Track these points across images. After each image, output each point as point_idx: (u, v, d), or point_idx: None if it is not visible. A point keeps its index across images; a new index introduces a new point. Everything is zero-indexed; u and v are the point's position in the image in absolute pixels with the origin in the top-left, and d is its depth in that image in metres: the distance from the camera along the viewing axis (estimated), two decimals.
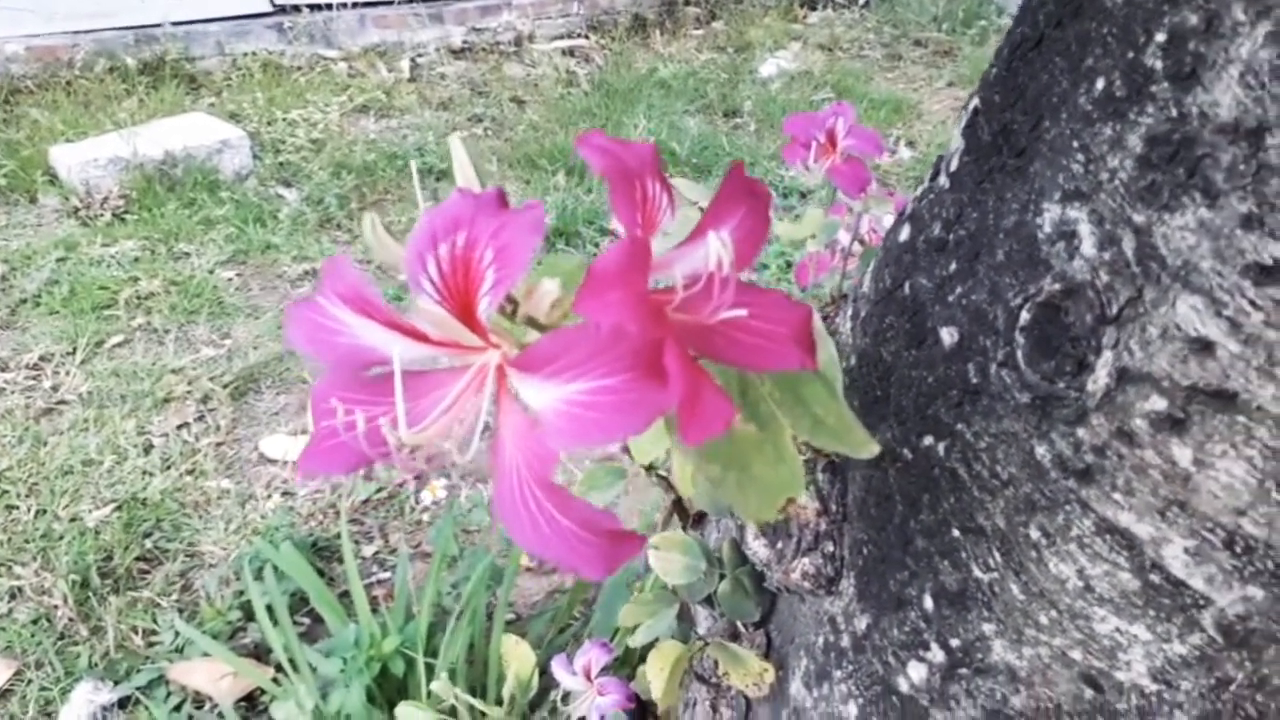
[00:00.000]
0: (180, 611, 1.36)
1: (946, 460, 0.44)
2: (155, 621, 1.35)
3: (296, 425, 1.75)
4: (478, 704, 0.93)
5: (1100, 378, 0.35)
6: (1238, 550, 0.33)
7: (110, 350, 1.92)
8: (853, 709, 0.52)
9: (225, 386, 1.81)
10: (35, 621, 1.33)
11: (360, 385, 0.32)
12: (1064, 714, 0.41)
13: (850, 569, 0.52)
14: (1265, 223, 0.29)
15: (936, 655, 0.46)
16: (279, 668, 1.19)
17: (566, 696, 0.91)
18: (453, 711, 0.94)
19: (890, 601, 0.48)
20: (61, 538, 1.45)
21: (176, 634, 1.31)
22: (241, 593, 1.36)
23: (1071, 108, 0.37)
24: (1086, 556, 0.37)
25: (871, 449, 0.38)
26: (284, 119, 2.93)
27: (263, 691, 1.23)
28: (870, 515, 0.50)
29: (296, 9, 3.29)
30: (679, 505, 0.66)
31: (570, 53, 3.56)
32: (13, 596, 1.37)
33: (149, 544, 1.48)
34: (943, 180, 0.49)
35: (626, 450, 0.72)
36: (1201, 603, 0.35)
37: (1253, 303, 0.30)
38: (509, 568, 1.20)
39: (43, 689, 1.25)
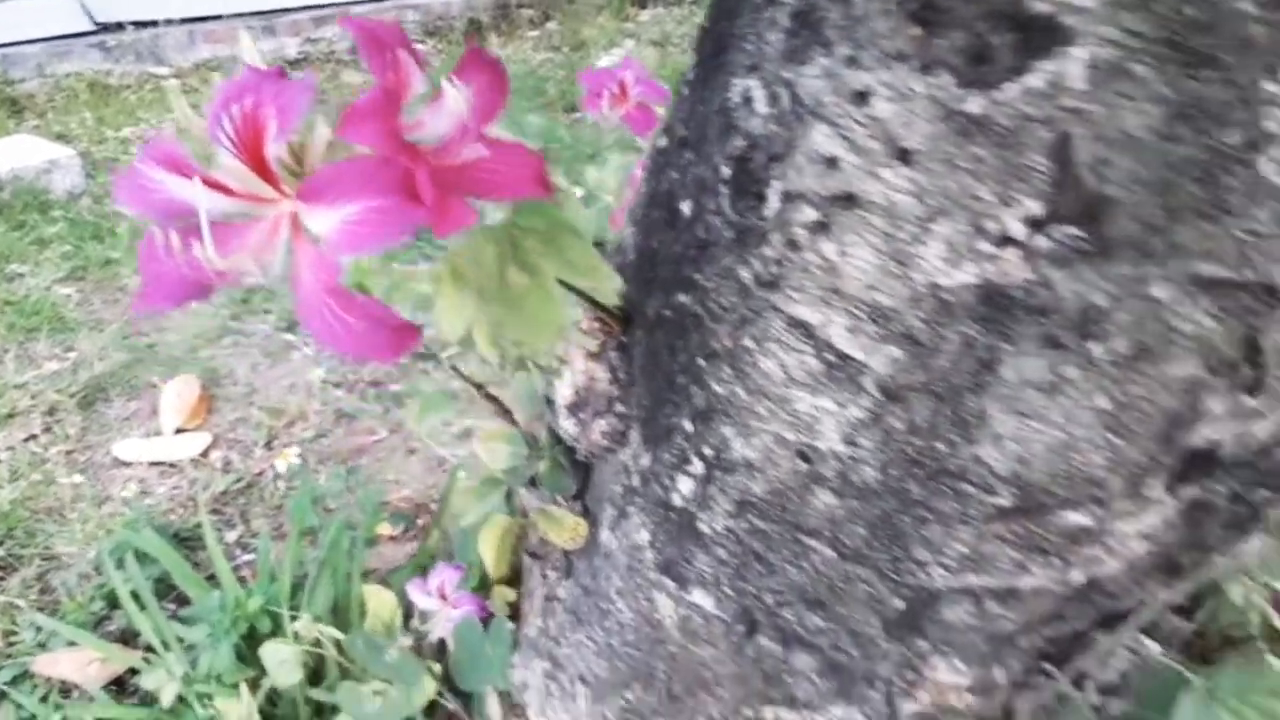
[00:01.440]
0: (40, 610, 1.36)
1: (692, 307, 0.54)
2: (14, 623, 1.35)
3: (149, 428, 1.76)
4: (340, 635, 0.99)
5: (773, 204, 0.45)
6: (878, 320, 0.44)
7: None
8: (645, 535, 0.62)
9: (72, 397, 1.80)
10: None
11: (180, 233, 0.40)
12: (789, 489, 0.52)
13: (635, 421, 0.62)
14: (858, 59, 0.40)
15: (697, 467, 0.56)
16: (148, 649, 1.22)
17: (424, 618, 0.98)
18: (317, 645, 1.00)
19: (663, 434, 0.58)
20: None
21: (38, 630, 1.31)
22: (103, 585, 1.37)
23: (748, 6, 0.48)
24: (783, 351, 0.48)
25: (615, 283, 0.48)
26: (115, 137, 2.88)
27: (132, 673, 1.25)
28: (647, 372, 0.60)
29: (120, 26, 3.23)
30: (496, 401, 0.74)
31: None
32: None
33: (2, 552, 1.47)
34: (684, 90, 0.59)
35: (456, 370, 0.81)
36: (863, 370, 0.46)
37: (857, 121, 0.41)
38: (365, 524, 1.27)
39: None
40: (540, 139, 3.04)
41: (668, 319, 0.57)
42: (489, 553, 0.69)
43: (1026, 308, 0.40)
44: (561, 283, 0.49)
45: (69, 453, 1.68)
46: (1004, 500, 0.46)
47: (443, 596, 0.97)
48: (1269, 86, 0.34)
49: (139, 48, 3.29)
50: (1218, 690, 0.49)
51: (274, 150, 0.37)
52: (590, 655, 0.69)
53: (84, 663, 1.27)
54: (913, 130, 0.39)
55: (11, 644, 1.32)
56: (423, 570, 1.30)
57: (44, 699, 1.24)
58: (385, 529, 1.48)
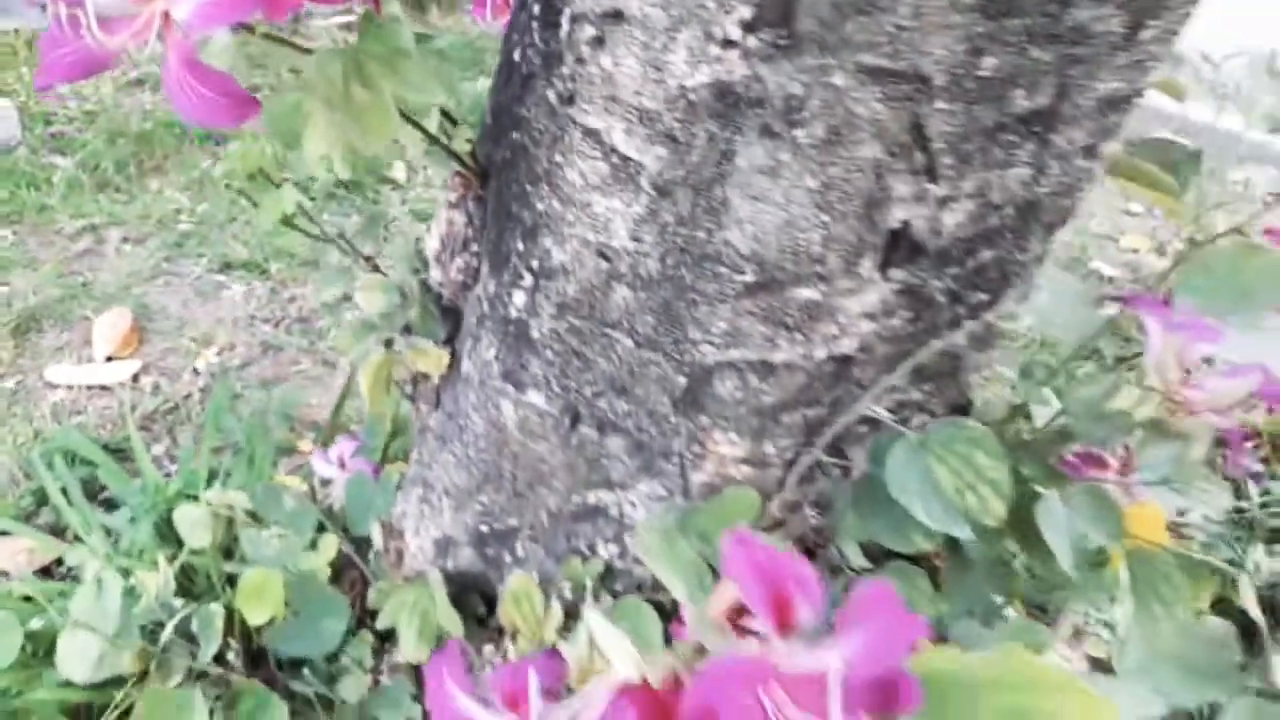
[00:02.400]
0: None
1: (521, 140, 0.65)
2: None
3: (82, 356, 1.83)
4: (249, 505, 1.08)
5: (565, 27, 0.56)
6: (645, 122, 0.55)
7: None
8: (491, 352, 0.72)
9: (5, 327, 1.86)
10: None
11: (74, 20, 0.50)
12: (594, 288, 0.63)
13: (484, 255, 0.73)
14: None
15: (527, 280, 0.67)
16: (77, 539, 1.30)
17: (325, 484, 1.08)
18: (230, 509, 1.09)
19: (502, 260, 0.69)
20: None
21: None
22: (34, 485, 1.45)
23: None
24: (581, 159, 0.59)
25: (436, 93, 0.58)
26: (54, 93, 2.91)
27: (59, 563, 1.33)
28: (494, 212, 0.71)
29: None
30: (375, 264, 0.84)
31: (349, 28, 3.66)
32: None
33: None
34: None
35: (346, 242, 0.90)
36: (640, 169, 0.57)
37: None
38: (276, 425, 1.36)
39: None
40: (476, 104, 3.10)
41: (507, 159, 0.68)
42: (366, 383, 0.79)
43: (748, 101, 0.52)
44: (433, 146, 0.60)
45: (1, 378, 1.75)
46: (749, 277, 0.57)
47: (341, 465, 1.07)
48: None
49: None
50: (928, 441, 0.61)
51: None
52: (451, 469, 0.80)
53: (14, 552, 1.34)
54: None
55: None
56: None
57: None
58: (305, 445, 1.57)
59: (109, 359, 1.82)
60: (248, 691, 0.86)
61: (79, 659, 0.84)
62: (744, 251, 0.56)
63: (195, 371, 1.78)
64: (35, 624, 1.12)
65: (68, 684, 1.07)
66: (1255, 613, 0.78)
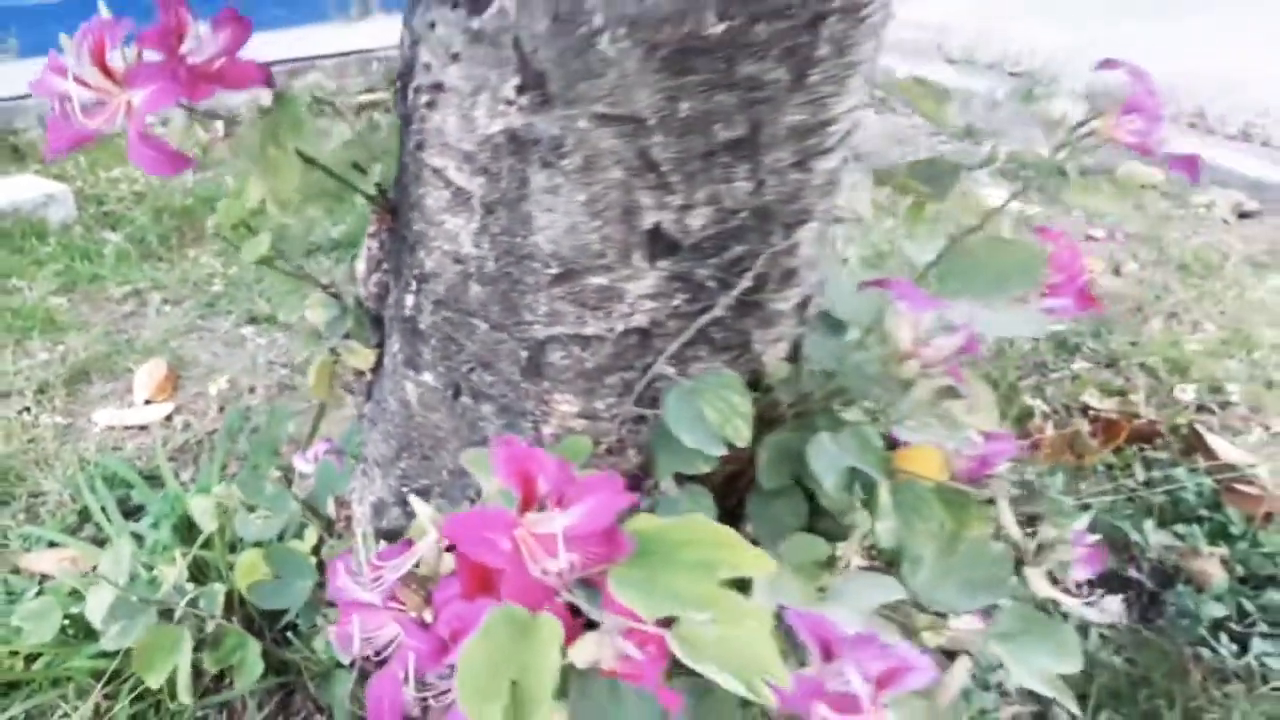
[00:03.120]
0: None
1: (404, 180, 0.87)
2: (5, 536, 1.66)
3: (124, 400, 2.08)
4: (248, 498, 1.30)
5: (410, 96, 0.79)
6: (468, 161, 0.77)
7: None
8: (397, 345, 0.94)
9: (59, 378, 2.13)
10: None
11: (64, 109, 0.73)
12: (456, 286, 0.84)
13: (392, 273, 0.95)
14: (428, 8, 0.74)
15: (413, 285, 0.88)
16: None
17: (302, 478, 1.30)
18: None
19: (398, 272, 0.91)
20: None
21: (24, 538, 1.63)
22: (79, 506, 1.69)
23: None
24: (433, 190, 0.81)
25: (319, 151, 0.81)
26: (106, 177, 3.25)
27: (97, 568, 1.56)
28: (395, 237, 0.93)
29: None
30: (321, 284, 1.07)
31: (374, 105, 3.98)
32: None
33: (10, 487, 1.79)
34: None
35: (301, 271, 1.13)
36: (470, 195, 0.78)
37: (432, 42, 0.74)
38: (273, 431, 1.59)
39: None
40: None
41: (401, 195, 0.90)
42: (313, 378, 1.01)
43: (529, 142, 0.73)
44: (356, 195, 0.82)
45: (55, 420, 2.01)
46: (554, 270, 0.78)
47: (315, 461, 1.29)
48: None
49: None
50: (697, 387, 0.80)
51: (112, 59, 0.70)
52: (379, 444, 1.01)
53: (60, 559, 1.57)
54: (454, 41, 0.72)
55: (2, 549, 1.63)
56: None
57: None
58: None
59: (147, 402, 2.08)
60: (231, 634, 1.07)
61: (100, 608, 1.05)
62: (547, 251, 0.78)
63: (220, 410, 2.03)
64: (74, 610, 1.34)
65: (100, 654, 1.30)
66: (1014, 532, 0.95)
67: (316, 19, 4.12)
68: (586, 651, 0.67)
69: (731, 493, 0.93)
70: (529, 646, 0.58)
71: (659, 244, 0.77)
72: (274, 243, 1.12)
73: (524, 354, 0.84)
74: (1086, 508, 1.67)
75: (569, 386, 0.85)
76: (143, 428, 2.00)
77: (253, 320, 2.40)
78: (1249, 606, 1.49)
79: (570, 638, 0.66)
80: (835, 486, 0.86)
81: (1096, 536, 1.00)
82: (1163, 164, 0.98)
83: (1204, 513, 1.66)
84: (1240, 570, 1.56)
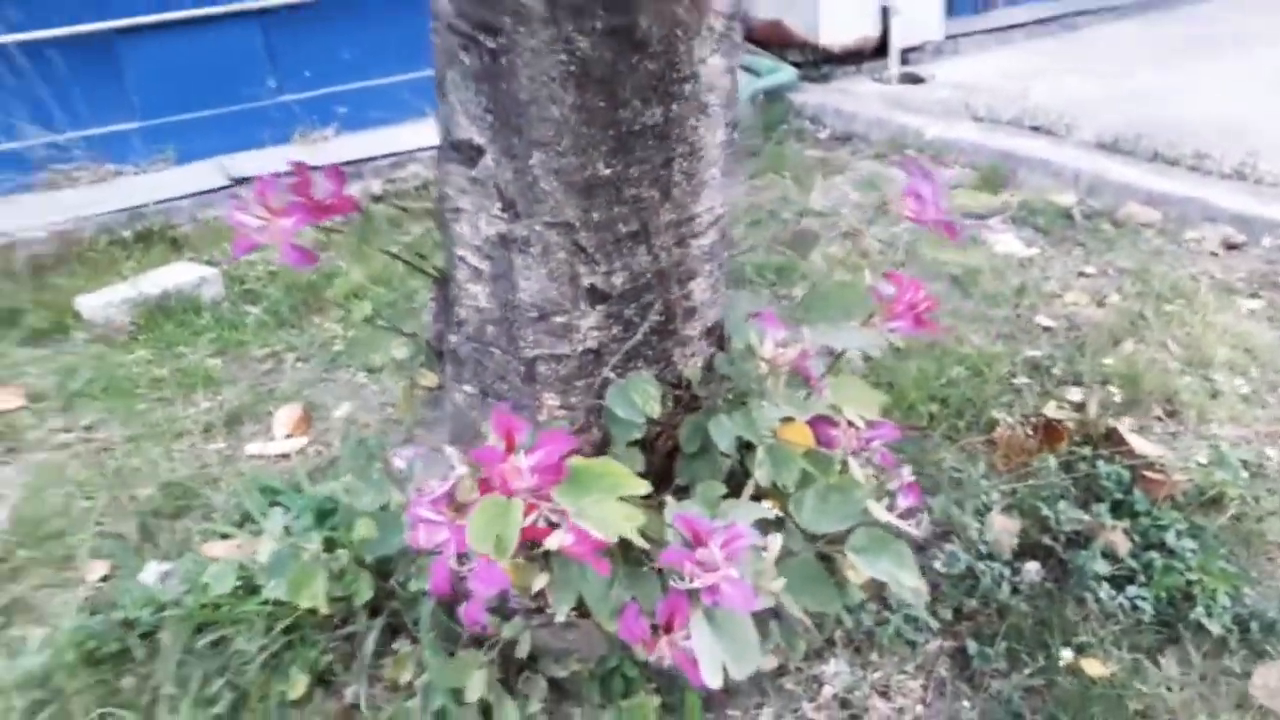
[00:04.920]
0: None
1: (447, 259, 1.39)
2: (189, 534, 2.24)
3: (268, 436, 2.66)
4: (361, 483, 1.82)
5: (445, 214, 1.30)
6: (478, 251, 1.28)
7: (139, 414, 2.84)
8: (450, 369, 1.45)
9: (219, 421, 2.74)
10: (116, 539, 2.22)
11: (244, 231, 1.27)
12: (478, 326, 1.35)
13: (442, 320, 1.47)
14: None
15: (454, 327, 1.39)
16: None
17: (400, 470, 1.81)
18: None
19: (445, 318, 1.42)
20: (124, 506, 2.35)
21: (202, 534, 2.20)
22: (241, 510, 2.25)
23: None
24: (461, 267, 1.32)
25: (390, 246, 1.33)
26: (246, 260, 3.92)
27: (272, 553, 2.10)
28: (441, 296, 1.45)
29: (247, 180, 4.33)
30: (402, 331, 1.59)
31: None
32: (101, 525, 2.26)
33: (179, 504, 2.37)
34: None
35: (389, 323, 1.67)
36: (480, 272, 1.29)
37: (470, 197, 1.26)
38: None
39: (130, 572, 2.13)
40: None
41: (445, 272, 1.41)
42: (400, 398, 1.53)
43: (513, 240, 1.23)
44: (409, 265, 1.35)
45: (218, 452, 2.60)
46: (534, 314, 1.28)
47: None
48: None
49: None
50: (629, 384, 1.28)
51: (272, 200, 1.24)
52: (442, 435, 1.52)
53: (230, 548, 2.12)
54: (462, 183, 1.24)
55: (186, 541, 2.20)
56: None
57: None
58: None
59: (287, 437, 2.65)
60: (350, 570, 1.59)
61: (265, 553, 1.58)
62: (529, 303, 1.28)
63: (342, 439, 2.59)
64: (243, 573, 1.88)
65: (264, 602, 1.83)
66: (861, 480, 1.39)
67: (415, 117, 4.77)
68: (553, 540, 1.15)
69: (668, 456, 1.41)
70: (506, 515, 1.07)
71: (595, 295, 1.27)
72: (374, 307, 1.65)
73: (522, 368, 1.34)
74: (1014, 491, 2.07)
75: (551, 388, 1.34)
76: (284, 456, 2.57)
77: (370, 371, 2.97)
78: (1133, 564, 1.86)
79: (544, 535, 1.15)
80: (728, 448, 1.33)
81: (912, 478, 1.43)
82: (954, 225, 1.39)
83: (1119, 496, 2.03)
84: (1138, 540, 1.93)
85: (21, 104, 4.13)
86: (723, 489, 1.34)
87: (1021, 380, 2.60)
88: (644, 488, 1.12)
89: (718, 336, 1.44)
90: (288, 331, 3.34)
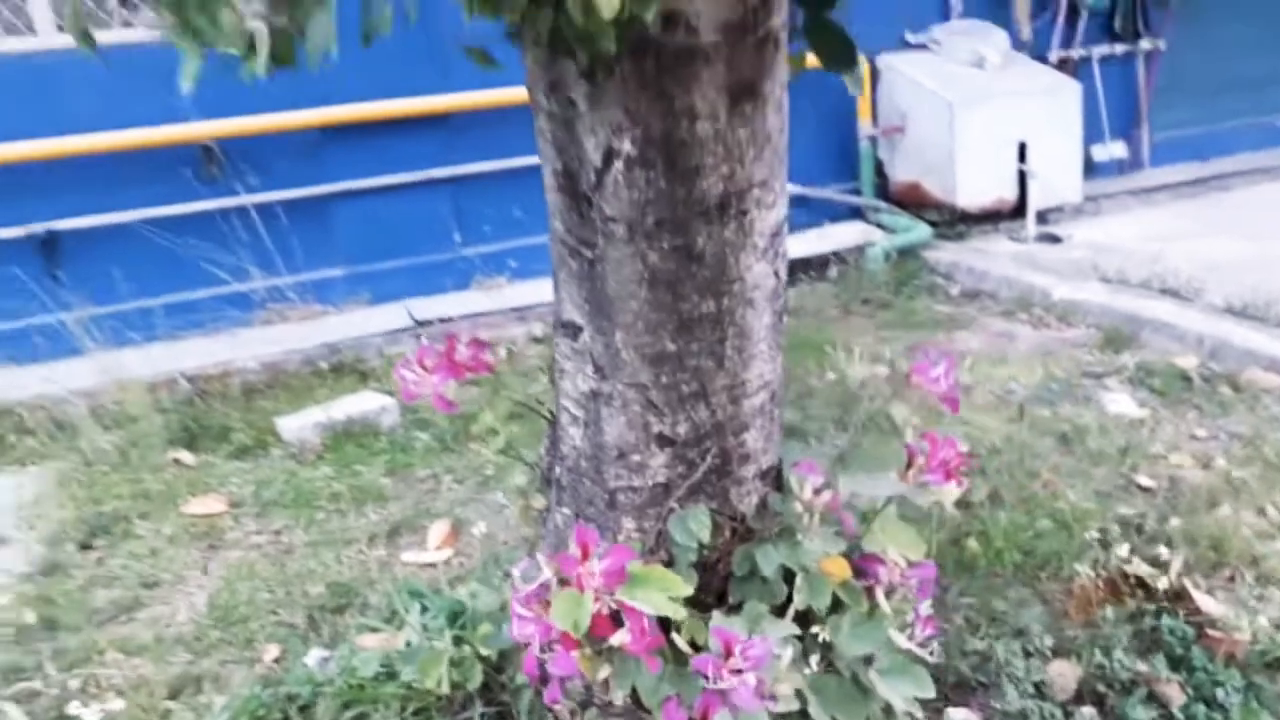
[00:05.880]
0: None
1: (553, 409, 1.76)
2: (347, 628, 2.63)
3: (422, 547, 3.07)
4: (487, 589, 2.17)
5: (551, 375, 1.67)
6: (574, 402, 1.63)
7: (318, 522, 3.31)
8: (554, 494, 1.80)
9: (382, 532, 3.17)
10: (289, 627, 2.64)
11: (405, 382, 1.68)
12: (574, 462, 1.70)
13: (550, 456, 1.83)
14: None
15: (558, 461, 1.75)
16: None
17: None
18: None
19: (550, 456, 1.78)
20: (298, 599, 2.79)
21: (358, 628, 2.59)
22: (392, 609, 2.64)
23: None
24: (563, 414, 1.68)
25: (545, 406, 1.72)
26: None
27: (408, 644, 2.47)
28: (548, 436, 1.81)
29: (429, 323, 4.93)
30: (523, 460, 1.96)
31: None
32: (277, 615, 2.69)
33: (342, 601, 2.78)
34: None
35: (511, 450, 2.05)
36: (578, 421, 1.64)
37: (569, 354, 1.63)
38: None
39: (297, 655, 2.54)
40: None
41: (555, 416, 1.78)
42: (518, 514, 1.87)
43: (600, 394, 1.58)
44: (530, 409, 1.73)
45: (378, 558, 3.02)
46: (615, 454, 1.62)
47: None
48: None
49: (440, 333, 4.96)
50: (686, 515, 1.59)
51: (426, 362, 1.65)
52: (547, 546, 1.85)
53: (380, 639, 2.50)
54: (567, 351, 1.60)
55: (345, 635, 2.59)
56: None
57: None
58: None
59: (437, 548, 3.06)
60: (467, 659, 1.92)
61: (404, 644, 1.94)
62: (612, 444, 1.62)
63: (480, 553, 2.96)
64: (386, 661, 2.25)
65: (401, 686, 2.18)
66: (887, 610, 1.62)
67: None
68: (616, 637, 1.46)
69: (725, 579, 1.70)
70: (579, 604, 1.38)
71: (663, 441, 1.60)
72: (507, 440, 2.03)
73: (606, 496, 1.67)
74: (1076, 638, 2.21)
75: (628, 514, 1.67)
76: (432, 565, 2.97)
77: (515, 495, 3.36)
78: (1179, 716, 1.97)
79: (609, 633, 1.46)
80: (771, 574, 1.61)
81: (929, 612, 1.65)
82: (956, 399, 1.66)
83: (1180, 651, 2.14)
84: (1191, 693, 2.03)
85: (251, 253, 4.90)
86: (766, 609, 1.61)
87: (1110, 537, 2.71)
88: (686, 590, 1.42)
89: (773, 478, 1.74)
90: (449, 456, 3.79)
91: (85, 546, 3.17)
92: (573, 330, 1.59)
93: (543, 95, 1.41)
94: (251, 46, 1.07)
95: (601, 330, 1.53)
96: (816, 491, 1.60)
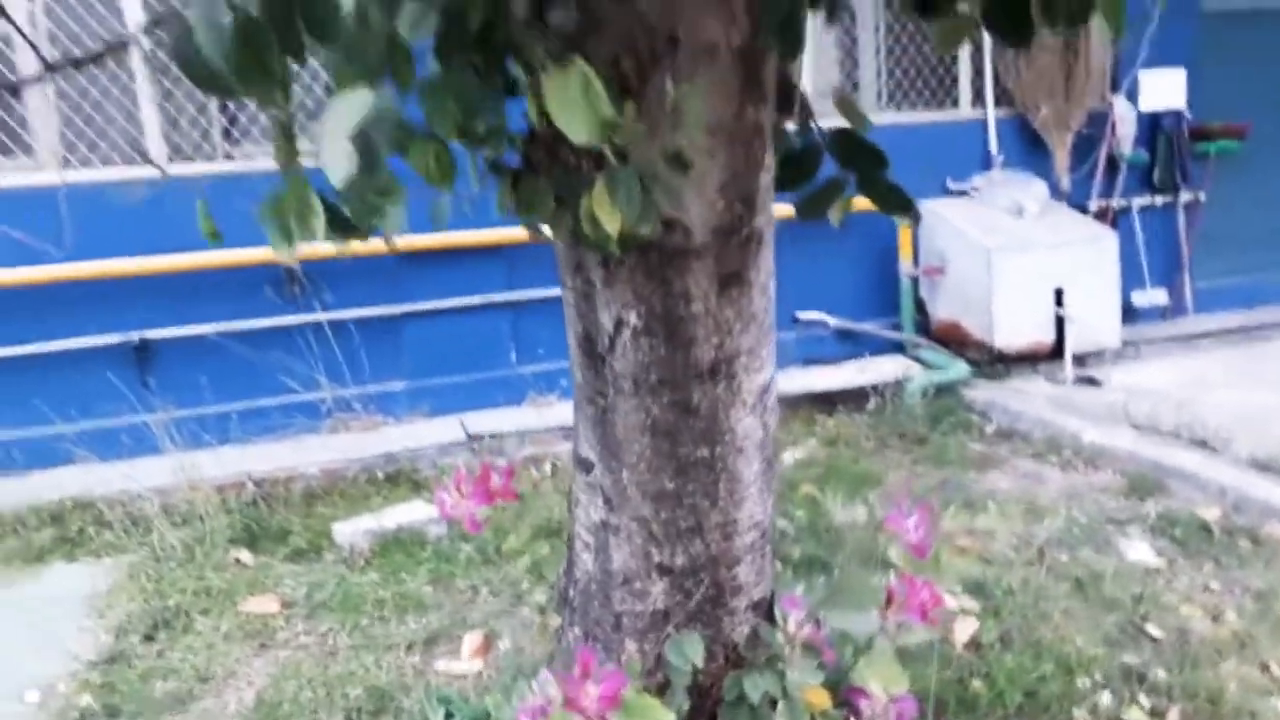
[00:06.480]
0: None
1: (569, 544, 1.97)
2: None
3: (455, 656, 3.25)
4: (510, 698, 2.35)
5: (568, 505, 1.89)
6: (585, 537, 1.85)
7: (362, 627, 3.52)
8: (566, 614, 2.00)
9: (420, 640, 3.37)
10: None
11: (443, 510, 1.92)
12: (585, 596, 1.90)
13: (559, 593, 2.04)
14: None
15: (572, 585, 1.95)
16: None
17: None
18: None
19: (561, 594, 1.99)
20: (338, 701, 2.99)
21: None
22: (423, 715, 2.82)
23: None
24: (577, 556, 1.89)
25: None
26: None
27: None
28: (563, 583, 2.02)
29: (481, 438, 5.21)
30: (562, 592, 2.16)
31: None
32: (317, 714, 2.89)
33: (378, 704, 2.97)
34: None
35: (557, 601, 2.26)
36: (581, 563, 1.86)
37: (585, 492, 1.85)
38: None
39: None
40: None
41: (569, 543, 2.00)
42: (535, 631, 2.07)
43: (609, 525, 1.80)
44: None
45: (414, 664, 3.22)
46: (620, 580, 1.82)
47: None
48: None
49: (492, 448, 5.23)
50: (680, 640, 1.77)
51: (463, 487, 1.89)
52: (560, 663, 2.04)
53: None
54: (581, 485, 1.83)
55: None
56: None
57: None
58: None
59: (470, 658, 3.24)
60: None
61: None
62: (618, 570, 1.82)
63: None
64: None
65: None
66: None
67: None
68: None
69: (717, 703, 1.87)
70: None
71: (663, 570, 1.80)
72: (531, 559, 2.24)
73: (612, 619, 1.87)
74: None
75: (631, 637, 1.86)
76: (464, 675, 3.15)
77: (540, 610, 3.55)
78: None
79: None
80: (756, 700, 1.78)
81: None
82: (925, 548, 1.83)
83: None
84: None
85: (322, 364, 5.25)
86: None
87: (1113, 684, 2.79)
88: (667, 717, 1.59)
89: (765, 609, 1.92)
90: (488, 568, 3.99)
91: (148, 638, 3.42)
92: (587, 466, 1.82)
93: (568, 275, 1.67)
94: (334, 228, 1.36)
95: (611, 468, 1.76)
96: (799, 625, 1.78)
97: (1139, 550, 3.61)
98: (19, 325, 4.73)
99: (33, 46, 2.10)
